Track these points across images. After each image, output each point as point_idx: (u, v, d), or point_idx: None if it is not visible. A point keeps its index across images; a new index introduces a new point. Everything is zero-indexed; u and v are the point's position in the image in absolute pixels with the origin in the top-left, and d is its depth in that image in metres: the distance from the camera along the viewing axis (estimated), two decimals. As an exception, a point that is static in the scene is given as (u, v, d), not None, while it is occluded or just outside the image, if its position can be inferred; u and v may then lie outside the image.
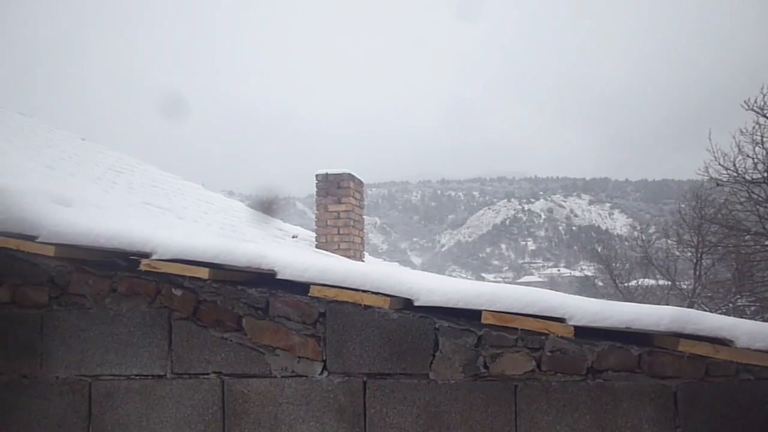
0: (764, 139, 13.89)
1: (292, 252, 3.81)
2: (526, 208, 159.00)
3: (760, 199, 14.67)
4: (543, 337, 2.91)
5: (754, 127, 14.08)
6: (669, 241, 23.25)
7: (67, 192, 3.89)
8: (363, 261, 10.90)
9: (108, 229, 3.13)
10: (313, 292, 3.03)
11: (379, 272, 3.06)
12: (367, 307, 3.02)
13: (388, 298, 2.98)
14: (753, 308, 17.44)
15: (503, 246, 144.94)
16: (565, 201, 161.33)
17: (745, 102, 13.83)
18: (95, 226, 3.14)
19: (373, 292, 2.99)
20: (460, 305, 2.92)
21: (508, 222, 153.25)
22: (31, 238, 3.14)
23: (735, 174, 14.66)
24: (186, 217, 7.18)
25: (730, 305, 17.91)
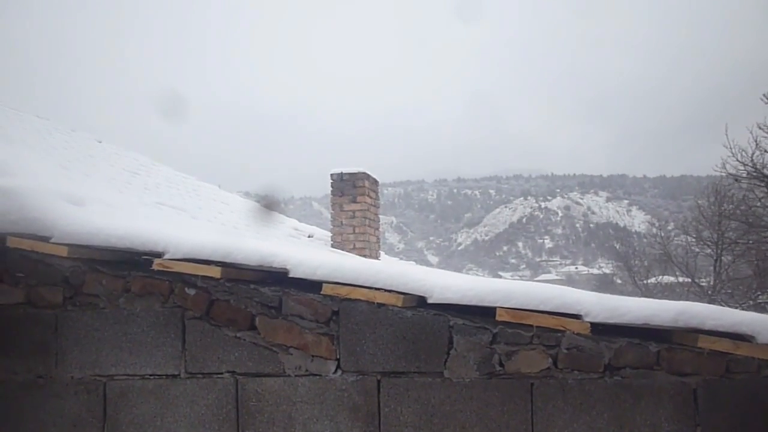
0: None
1: (305, 250, 3.79)
2: (542, 206, 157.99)
3: (779, 194, 14.48)
4: (559, 334, 2.86)
5: (772, 122, 13.90)
6: (688, 238, 23.02)
7: (80, 192, 3.90)
8: (379, 260, 10.87)
9: (120, 228, 3.13)
10: (326, 290, 3.01)
11: (392, 270, 3.03)
12: (380, 305, 2.99)
13: (402, 296, 2.95)
14: (774, 304, 17.20)
15: (520, 244, 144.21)
16: (582, 198, 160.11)
17: (764, 95, 13.66)
18: (107, 226, 3.14)
19: (386, 290, 2.96)
20: (474, 302, 2.89)
21: (524, 220, 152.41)
22: (45, 239, 3.15)
23: (753, 170, 14.48)
24: (200, 217, 7.20)
25: (751, 302, 17.69)
